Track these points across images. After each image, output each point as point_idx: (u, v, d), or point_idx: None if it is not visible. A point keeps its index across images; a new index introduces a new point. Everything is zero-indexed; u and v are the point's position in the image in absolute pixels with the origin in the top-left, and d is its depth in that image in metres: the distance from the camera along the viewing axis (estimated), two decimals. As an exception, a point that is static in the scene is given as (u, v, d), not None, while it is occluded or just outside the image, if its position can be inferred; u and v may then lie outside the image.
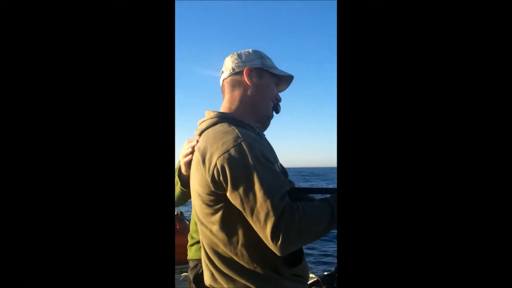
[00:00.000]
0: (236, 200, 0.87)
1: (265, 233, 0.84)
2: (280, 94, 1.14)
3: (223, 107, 1.08)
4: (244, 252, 0.93)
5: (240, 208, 0.88)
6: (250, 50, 1.12)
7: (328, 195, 0.96)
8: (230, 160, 0.87)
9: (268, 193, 0.84)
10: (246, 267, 0.94)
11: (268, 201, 0.84)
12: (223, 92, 1.11)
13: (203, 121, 1.03)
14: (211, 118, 1.01)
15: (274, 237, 0.83)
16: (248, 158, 0.87)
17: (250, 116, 1.07)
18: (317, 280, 1.68)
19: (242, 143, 0.89)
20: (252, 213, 0.85)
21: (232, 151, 0.88)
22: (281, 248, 0.83)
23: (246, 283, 0.94)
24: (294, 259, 0.99)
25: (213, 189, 0.89)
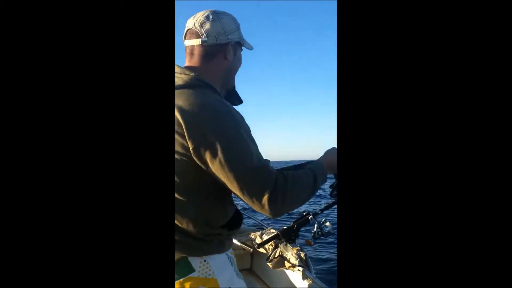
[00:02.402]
0: (221, 171, 0.86)
1: (261, 201, 0.85)
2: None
3: (195, 71, 0.98)
4: (193, 217, 0.94)
5: (225, 180, 0.87)
6: (229, 17, 1.03)
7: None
8: (224, 131, 0.86)
9: (260, 163, 0.88)
10: (190, 231, 0.95)
11: (262, 170, 0.87)
12: (190, 53, 1.03)
13: (178, 75, 0.96)
14: (189, 77, 0.94)
15: (271, 204, 0.85)
16: (240, 131, 0.88)
17: (221, 88, 1.06)
18: (277, 234, 1.72)
19: (235, 115, 0.89)
20: (242, 183, 0.85)
21: (225, 123, 0.87)
22: (276, 214, 0.86)
23: (192, 243, 0.96)
24: (237, 223, 1.05)
25: (193, 158, 0.87)
